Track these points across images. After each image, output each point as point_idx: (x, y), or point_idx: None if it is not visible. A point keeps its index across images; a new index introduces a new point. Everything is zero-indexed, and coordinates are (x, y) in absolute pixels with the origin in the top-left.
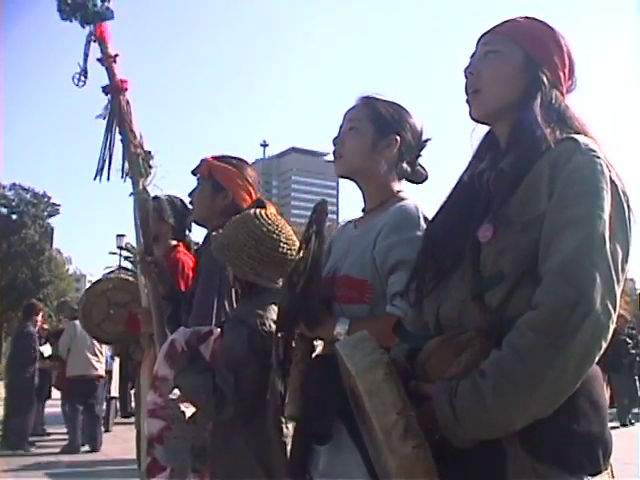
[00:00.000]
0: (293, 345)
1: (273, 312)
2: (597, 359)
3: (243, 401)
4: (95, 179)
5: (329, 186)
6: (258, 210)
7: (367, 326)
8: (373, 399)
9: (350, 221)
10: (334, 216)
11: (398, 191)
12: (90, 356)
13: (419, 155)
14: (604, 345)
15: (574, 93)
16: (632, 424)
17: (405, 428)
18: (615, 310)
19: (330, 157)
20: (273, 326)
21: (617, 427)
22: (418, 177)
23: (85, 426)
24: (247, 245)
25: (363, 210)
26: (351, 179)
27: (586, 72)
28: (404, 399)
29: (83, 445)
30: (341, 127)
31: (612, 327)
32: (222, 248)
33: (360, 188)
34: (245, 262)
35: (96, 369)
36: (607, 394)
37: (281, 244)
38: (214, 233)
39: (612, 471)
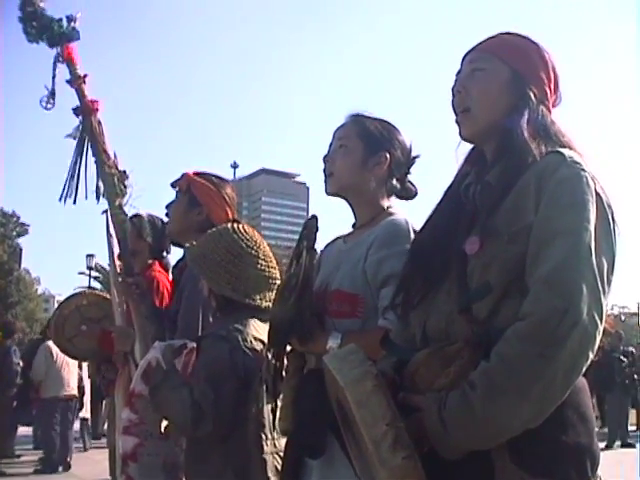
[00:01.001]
0: (281, 360)
1: (253, 328)
2: (584, 370)
3: (222, 417)
4: (61, 201)
5: (299, 207)
6: (236, 224)
7: (359, 340)
8: (362, 410)
9: (339, 237)
10: None
11: (388, 207)
12: (65, 376)
13: (408, 172)
14: (591, 356)
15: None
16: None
17: (395, 439)
18: (602, 321)
19: (300, 178)
20: (254, 342)
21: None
22: (408, 193)
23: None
24: (225, 260)
25: (353, 226)
26: (341, 196)
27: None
28: (393, 410)
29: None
30: (330, 145)
31: (599, 338)
32: (198, 260)
33: (350, 205)
34: (222, 277)
35: (72, 389)
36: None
37: (259, 260)
38: (187, 244)
39: None
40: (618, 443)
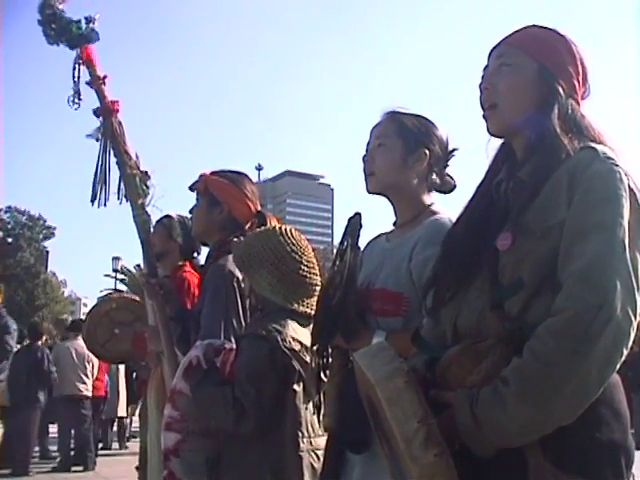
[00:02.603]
0: (326, 357)
1: (291, 328)
2: (618, 366)
3: (263, 415)
4: (93, 205)
5: (324, 209)
6: (284, 227)
7: (403, 338)
8: (393, 407)
9: (381, 234)
10: (329, 239)
11: (430, 204)
12: (73, 377)
13: (446, 165)
14: (625, 352)
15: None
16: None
17: (426, 436)
18: (635, 317)
19: (324, 180)
20: (293, 343)
21: None
22: (447, 187)
23: (76, 446)
24: (268, 261)
25: (394, 224)
26: (382, 195)
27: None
28: (425, 407)
29: (75, 465)
30: (368, 144)
31: (633, 334)
32: (242, 258)
33: (391, 203)
34: (264, 277)
35: (81, 390)
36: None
37: (302, 266)
38: (235, 240)
39: None
40: None
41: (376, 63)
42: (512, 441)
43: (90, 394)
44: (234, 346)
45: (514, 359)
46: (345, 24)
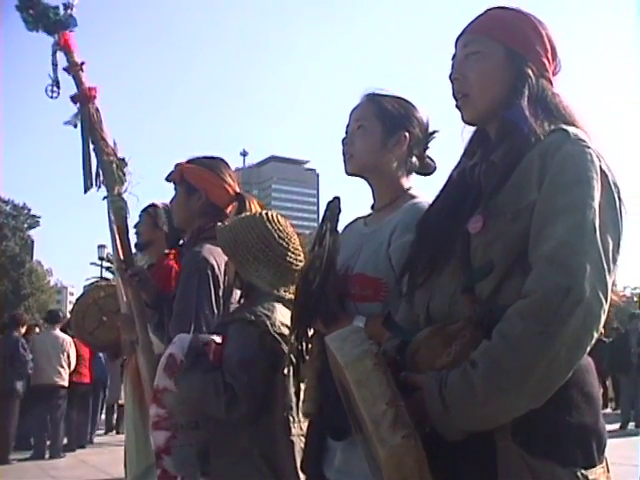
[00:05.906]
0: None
1: (279, 313)
2: (588, 349)
3: (255, 400)
4: (86, 193)
5: (309, 194)
6: (271, 213)
7: (379, 323)
8: (362, 389)
9: (358, 218)
10: (314, 224)
11: (408, 188)
12: (48, 367)
13: (427, 147)
14: (595, 335)
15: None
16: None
17: (394, 418)
18: (607, 300)
19: (309, 165)
20: (282, 328)
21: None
22: (427, 169)
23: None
24: (255, 247)
25: (372, 207)
26: (361, 177)
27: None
28: (393, 389)
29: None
30: (348, 127)
31: (603, 317)
32: (229, 243)
33: (370, 186)
34: (250, 263)
35: (55, 380)
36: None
37: (289, 253)
38: (219, 224)
39: (607, 465)
40: (633, 424)
41: (362, 45)
42: (480, 424)
43: (65, 383)
44: (216, 339)
45: (483, 341)
46: (328, 5)
